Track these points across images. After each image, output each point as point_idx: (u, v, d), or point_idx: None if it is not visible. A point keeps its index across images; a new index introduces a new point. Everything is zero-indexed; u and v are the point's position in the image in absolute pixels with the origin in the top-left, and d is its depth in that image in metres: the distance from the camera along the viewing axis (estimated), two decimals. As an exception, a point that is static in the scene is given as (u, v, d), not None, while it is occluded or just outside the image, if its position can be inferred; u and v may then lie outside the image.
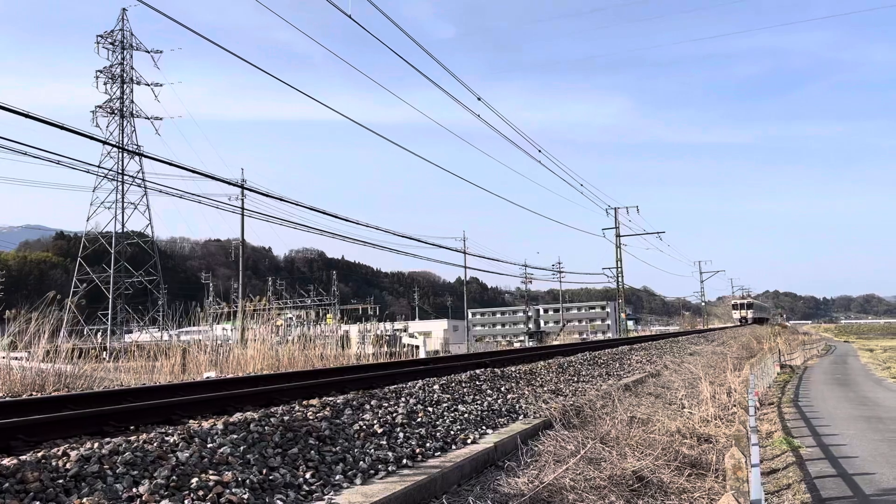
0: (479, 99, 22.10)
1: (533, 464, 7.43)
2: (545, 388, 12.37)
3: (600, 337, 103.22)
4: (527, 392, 11.47)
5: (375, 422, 7.52)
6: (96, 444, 5.15)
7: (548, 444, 8.20)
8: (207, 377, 12.73)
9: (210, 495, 4.81)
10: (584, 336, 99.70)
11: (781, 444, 12.57)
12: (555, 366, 15.56)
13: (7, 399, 7.87)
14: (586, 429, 9.24)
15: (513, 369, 13.65)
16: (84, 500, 4.37)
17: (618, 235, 53.92)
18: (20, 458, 4.72)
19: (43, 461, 4.72)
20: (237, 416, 6.61)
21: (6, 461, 4.60)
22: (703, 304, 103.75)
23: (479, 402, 9.95)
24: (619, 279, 54.66)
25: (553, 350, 22.23)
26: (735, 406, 13.38)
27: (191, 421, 6.74)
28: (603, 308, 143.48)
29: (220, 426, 6.12)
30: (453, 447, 7.55)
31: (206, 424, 6.23)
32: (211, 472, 5.16)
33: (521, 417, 9.73)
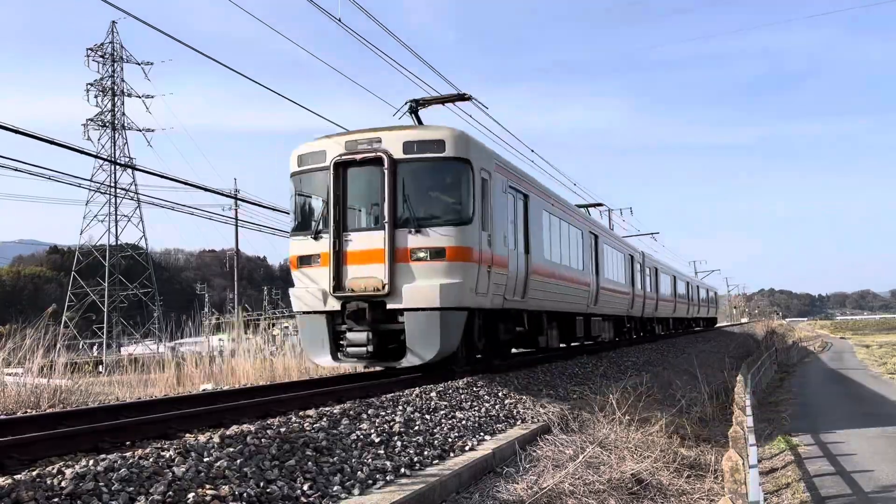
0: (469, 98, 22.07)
1: (532, 469, 7.42)
2: (543, 393, 12.36)
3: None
4: (524, 397, 11.46)
5: (373, 431, 7.49)
6: (91, 461, 5.11)
7: (546, 449, 8.20)
8: (203, 389, 12.68)
9: (207, 510, 4.78)
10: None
11: (780, 443, 12.59)
12: (553, 369, 15.54)
13: (2, 417, 7.82)
14: (585, 432, 9.24)
15: (510, 374, 13.63)
16: (79, 518, 4.34)
17: (612, 237, 53.97)
18: (15, 476, 4.68)
19: (38, 480, 4.68)
20: (233, 429, 6.57)
21: (1, 480, 4.57)
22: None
23: (476, 408, 9.92)
24: (615, 281, 54.68)
25: (550, 353, 22.17)
26: (733, 405, 13.40)
27: (187, 435, 6.69)
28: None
29: (216, 439, 6.09)
30: (451, 455, 7.52)
31: (202, 438, 6.19)
32: (208, 486, 5.13)
33: (519, 423, 9.71)
